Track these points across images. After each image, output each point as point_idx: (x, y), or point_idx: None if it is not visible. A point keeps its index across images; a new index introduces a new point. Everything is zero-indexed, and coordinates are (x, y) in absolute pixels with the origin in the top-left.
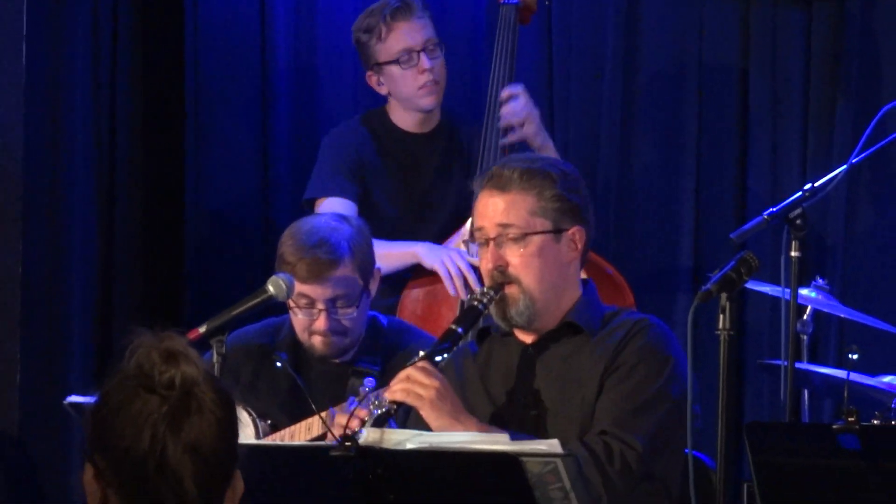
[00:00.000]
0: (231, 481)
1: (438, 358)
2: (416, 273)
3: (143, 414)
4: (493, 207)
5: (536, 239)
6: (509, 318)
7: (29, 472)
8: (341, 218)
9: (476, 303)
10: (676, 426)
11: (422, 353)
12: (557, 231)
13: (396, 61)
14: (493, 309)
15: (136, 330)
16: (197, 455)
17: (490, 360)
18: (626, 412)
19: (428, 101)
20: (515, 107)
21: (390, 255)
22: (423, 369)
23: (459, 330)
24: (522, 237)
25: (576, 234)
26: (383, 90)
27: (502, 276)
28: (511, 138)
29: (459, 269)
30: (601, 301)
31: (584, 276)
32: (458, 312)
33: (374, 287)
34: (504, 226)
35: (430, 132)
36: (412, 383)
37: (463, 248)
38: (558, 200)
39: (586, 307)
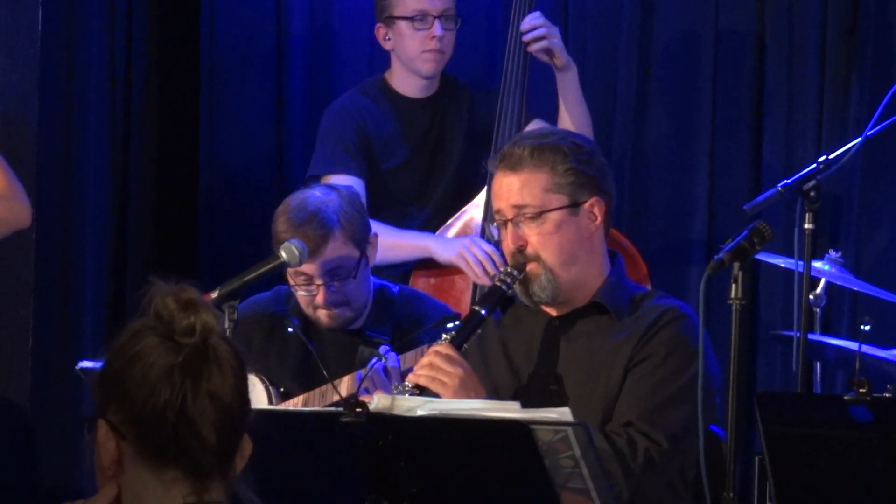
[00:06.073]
0: (242, 438)
1: (465, 345)
2: (425, 263)
3: (161, 362)
4: (507, 188)
5: (553, 215)
6: (532, 295)
7: (40, 437)
8: (330, 189)
9: (500, 283)
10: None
11: (445, 337)
12: (574, 205)
13: (411, 18)
14: (517, 288)
15: (152, 280)
16: (216, 403)
17: (514, 327)
18: (653, 405)
19: (428, 67)
20: (538, 25)
21: (401, 245)
22: (446, 357)
23: (483, 312)
24: (539, 215)
25: (594, 205)
26: (388, 45)
27: (523, 256)
28: (537, 46)
29: (477, 258)
30: (628, 278)
31: None
32: (471, 291)
33: (371, 253)
34: (520, 206)
35: (430, 97)
36: (436, 370)
37: (467, 233)
38: (572, 174)
39: (614, 288)
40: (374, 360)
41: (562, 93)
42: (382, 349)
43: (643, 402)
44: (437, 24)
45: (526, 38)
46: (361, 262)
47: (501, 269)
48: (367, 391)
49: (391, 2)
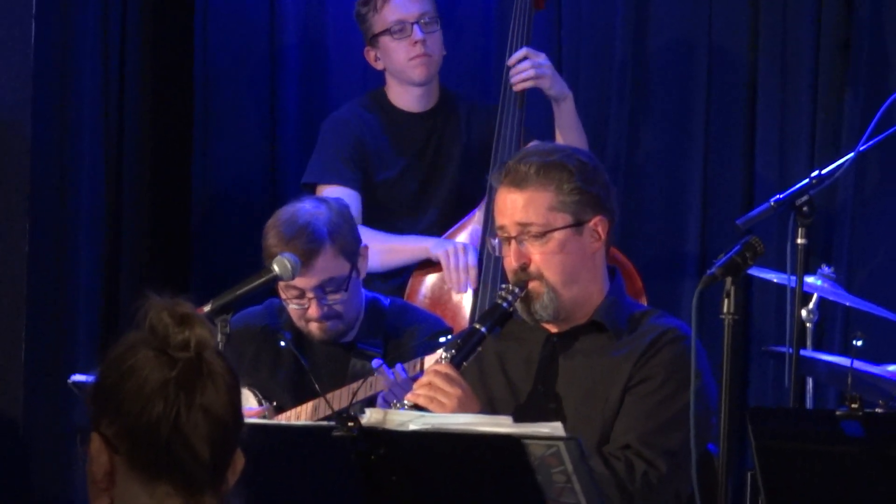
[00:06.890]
0: (235, 453)
1: (465, 363)
2: (423, 263)
3: (155, 376)
4: (511, 205)
5: (558, 234)
6: (534, 313)
7: (32, 450)
8: (320, 202)
9: (500, 301)
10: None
11: (445, 355)
12: (578, 224)
13: (389, 31)
14: (518, 305)
15: (147, 294)
16: (210, 418)
17: (512, 340)
18: (651, 428)
19: (419, 73)
20: (522, 67)
21: (401, 249)
22: (446, 376)
23: (483, 330)
24: (543, 234)
25: (598, 223)
26: (379, 65)
27: (525, 274)
28: (521, 88)
29: (458, 265)
30: (627, 295)
31: None
32: (472, 305)
33: (363, 266)
34: (524, 224)
35: (428, 111)
36: (435, 390)
37: (467, 239)
38: (577, 193)
39: (613, 306)
40: (377, 363)
41: (558, 121)
42: (375, 362)
43: (642, 424)
44: (415, 29)
45: (513, 80)
46: (352, 275)
47: (504, 286)
48: (387, 403)
49: (371, 22)
